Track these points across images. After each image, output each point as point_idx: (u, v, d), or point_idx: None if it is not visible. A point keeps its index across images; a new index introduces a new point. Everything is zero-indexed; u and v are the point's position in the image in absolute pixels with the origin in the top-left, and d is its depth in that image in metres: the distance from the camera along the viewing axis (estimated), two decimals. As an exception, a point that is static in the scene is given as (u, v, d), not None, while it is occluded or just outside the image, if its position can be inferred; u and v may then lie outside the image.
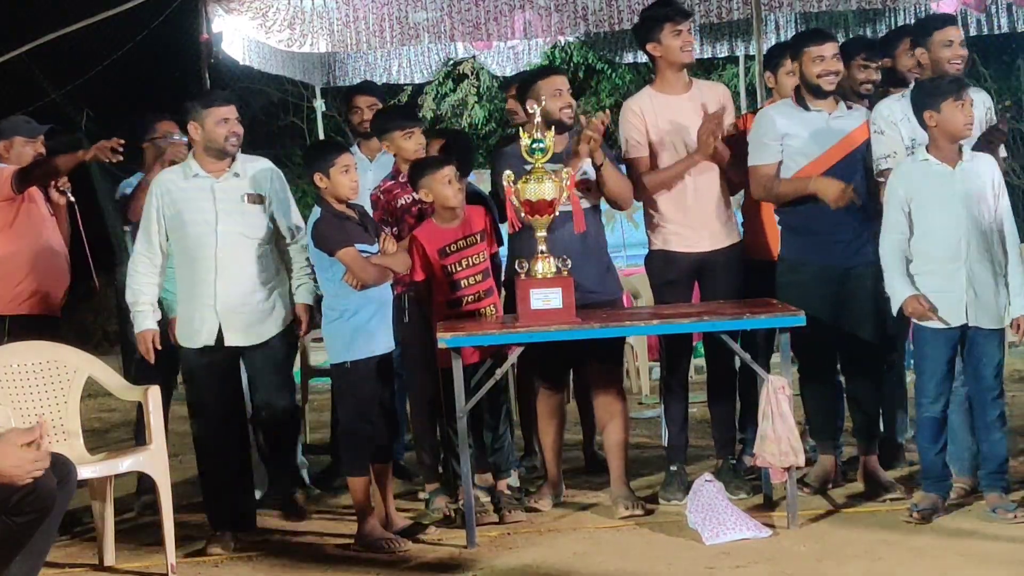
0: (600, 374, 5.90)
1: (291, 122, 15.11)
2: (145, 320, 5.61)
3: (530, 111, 5.41)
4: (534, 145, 5.34)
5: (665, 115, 5.89)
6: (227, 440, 5.63)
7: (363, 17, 11.43)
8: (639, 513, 5.60)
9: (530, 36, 11.70)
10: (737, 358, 5.67)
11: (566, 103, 5.75)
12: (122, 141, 6.09)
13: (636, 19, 11.01)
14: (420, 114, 14.67)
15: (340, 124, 14.91)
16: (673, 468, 5.89)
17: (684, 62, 5.93)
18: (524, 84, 6.03)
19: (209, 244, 5.50)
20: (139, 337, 5.61)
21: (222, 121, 5.50)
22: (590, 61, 13.86)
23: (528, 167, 5.39)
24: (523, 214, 5.42)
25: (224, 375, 5.62)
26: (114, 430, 9.16)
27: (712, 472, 5.65)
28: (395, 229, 5.78)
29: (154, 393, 5.38)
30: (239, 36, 11.32)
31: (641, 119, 5.94)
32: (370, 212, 5.80)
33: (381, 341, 5.48)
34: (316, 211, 5.45)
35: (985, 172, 5.21)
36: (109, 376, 5.59)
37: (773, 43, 11.01)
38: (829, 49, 5.69)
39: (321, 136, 11.98)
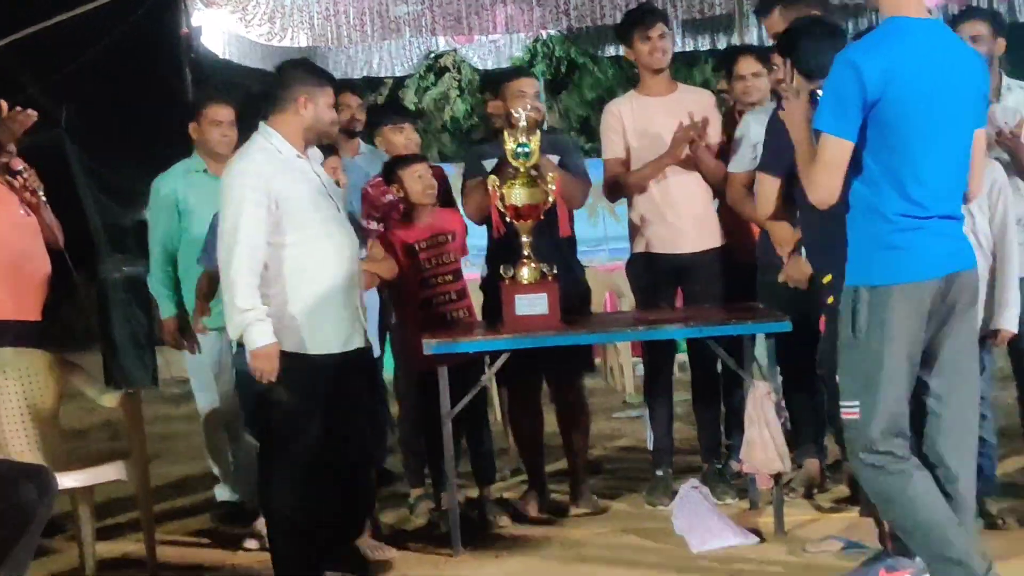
0: (559, 383, 5.90)
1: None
2: (269, 331, 4.59)
3: (515, 115, 5.35)
4: (519, 149, 5.29)
5: (644, 118, 5.87)
6: (362, 456, 5.03)
7: (343, 11, 11.39)
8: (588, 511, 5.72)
9: (512, 30, 11.68)
10: (720, 361, 5.64)
11: (532, 105, 5.70)
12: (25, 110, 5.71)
13: (618, 14, 11.06)
14: (401, 107, 14.66)
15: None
16: (659, 472, 5.87)
17: (653, 67, 5.90)
18: (492, 84, 6.11)
19: (344, 234, 4.84)
20: (264, 353, 4.57)
21: (333, 106, 4.92)
22: (572, 55, 13.86)
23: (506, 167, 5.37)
24: (508, 218, 5.39)
25: (367, 380, 5.09)
26: (94, 431, 9.09)
27: (698, 477, 5.63)
28: (381, 225, 5.75)
29: (133, 399, 5.31)
30: (219, 30, 11.28)
31: (619, 120, 5.93)
32: (359, 208, 5.75)
33: None
34: None
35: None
36: (88, 382, 5.51)
37: (755, 36, 11.00)
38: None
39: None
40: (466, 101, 14.55)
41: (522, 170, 5.30)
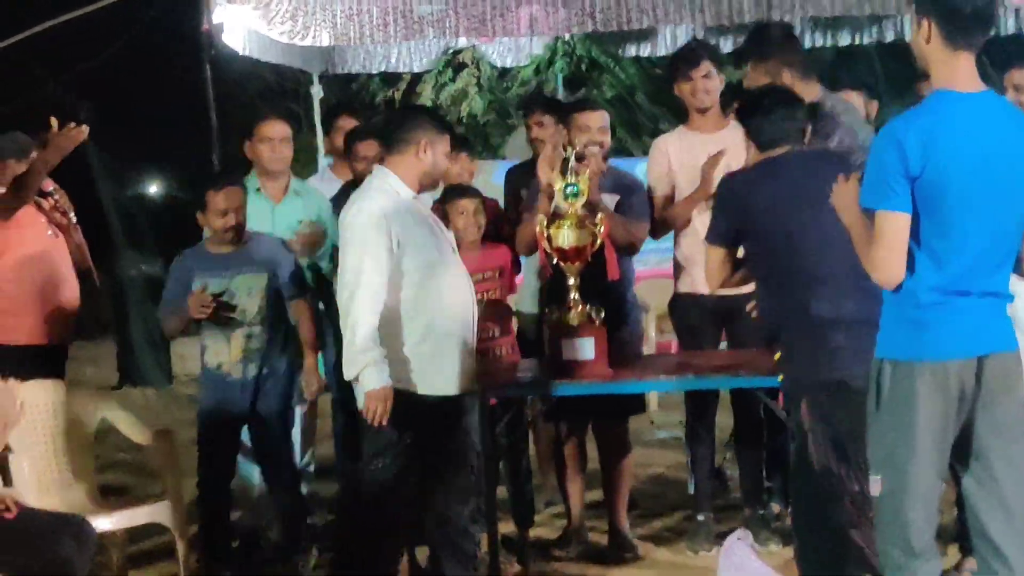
0: (605, 424, 5.77)
1: (288, 107, 14.86)
2: (386, 373, 4.62)
3: (565, 155, 5.22)
4: (568, 189, 5.15)
5: (690, 154, 5.76)
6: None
7: (367, 10, 11.14)
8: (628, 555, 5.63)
9: (537, 33, 11.49)
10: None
11: (592, 140, 5.57)
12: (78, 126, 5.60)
13: (645, 19, 10.86)
14: (419, 104, 14.46)
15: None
16: (700, 518, 5.77)
17: (696, 107, 5.81)
18: (559, 112, 6.02)
19: (461, 276, 4.88)
20: (378, 395, 4.59)
21: (448, 155, 4.98)
22: (593, 54, 13.69)
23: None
24: (555, 260, 5.26)
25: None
26: (114, 433, 8.94)
27: (742, 526, 5.53)
28: None
29: (167, 438, 5.20)
30: (240, 27, 11.11)
31: (665, 156, 5.84)
32: None
33: None
34: None
35: None
36: (123, 418, 5.41)
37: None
38: None
39: (318, 122, 11.77)
40: (484, 97, 14.37)
41: (571, 211, 5.17)
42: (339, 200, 5.58)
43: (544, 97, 8.78)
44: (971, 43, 3.64)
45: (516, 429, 5.66)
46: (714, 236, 4.67)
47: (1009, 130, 3.68)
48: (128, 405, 6.78)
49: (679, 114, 14.17)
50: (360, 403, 4.66)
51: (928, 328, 3.62)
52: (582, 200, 5.16)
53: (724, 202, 4.67)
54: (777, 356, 4.57)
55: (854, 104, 5.79)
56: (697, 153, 5.70)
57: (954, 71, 3.65)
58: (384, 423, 4.59)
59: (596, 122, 5.63)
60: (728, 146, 5.63)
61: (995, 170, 3.60)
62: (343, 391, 5.82)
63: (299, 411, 5.95)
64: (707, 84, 5.76)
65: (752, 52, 5.20)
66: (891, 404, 3.66)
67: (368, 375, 4.57)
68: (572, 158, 5.16)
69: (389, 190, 4.74)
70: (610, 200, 5.52)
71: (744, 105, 4.86)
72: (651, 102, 14.23)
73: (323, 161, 9.19)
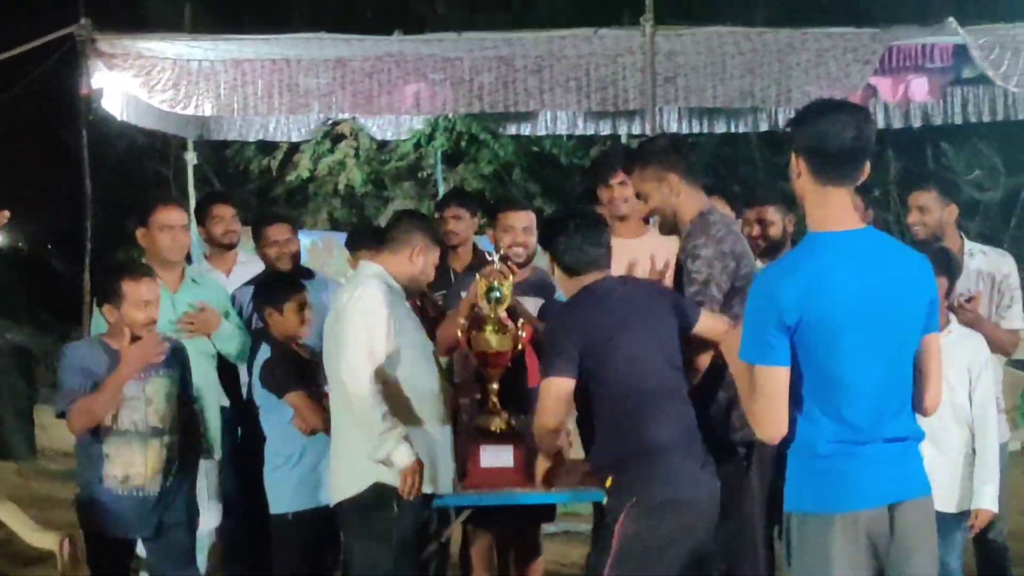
0: (516, 530, 5.69)
1: (157, 171, 14.55)
2: (411, 447, 4.67)
3: (488, 258, 5.20)
4: (491, 293, 5.13)
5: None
6: None
7: (251, 81, 11.06)
8: None
9: (422, 112, 11.46)
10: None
11: (516, 241, 5.56)
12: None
13: (532, 102, 10.95)
14: (296, 173, 14.31)
15: (209, 176, 14.43)
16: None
17: (613, 215, 5.76)
18: (481, 209, 5.94)
19: (439, 377, 4.98)
20: (412, 468, 4.66)
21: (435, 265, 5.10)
22: (473, 131, 13.70)
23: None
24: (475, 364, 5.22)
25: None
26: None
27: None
28: None
29: (69, 544, 4.97)
30: (120, 92, 10.89)
31: None
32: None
33: (328, 489, 5.03)
34: (264, 348, 5.19)
35: (963, 352, 4.98)
36: (21, 521, 5.17)
37: (663, 126, 11.00)
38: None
39: (191, 188, 11.54)
40: (361, 169, 14.23)
41: (492, 315, 5.13)
42: (261, 289, 5.49)
43: (461, 191, 8.76)
44: (841, 180, 3.49)
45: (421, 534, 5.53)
46: (559, 367, 4.38)
47: (891, 266, 3.51)
48: None
49: (555, 193, 14.32)
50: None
51: (833, 479, 3.48)
52: (505, 304, 5.13)
53: (563, 330, 4.48)
54: (609, 482, 4.45)
55: (770, 219, 5.84)
56: (618, 258, 5.67)
57: (827, 209, 3.50)
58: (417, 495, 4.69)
59: (521, 222, 5.61)
60: (649, 252, 5.64)
61: (883, 306, 3.45)
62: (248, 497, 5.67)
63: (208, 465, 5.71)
64: (624, 192, 5.70)
65: (638, 158, 5.17)
66: (802, 558, 3.52)
67: (399, 453, 4.63)
68: (496, 261, 5.15)
69: (383, 281, 4.85)
70: (533, 303, 5.48)
71: (545, 230, 4.82)
72: (528, 179, 14.32)
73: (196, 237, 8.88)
